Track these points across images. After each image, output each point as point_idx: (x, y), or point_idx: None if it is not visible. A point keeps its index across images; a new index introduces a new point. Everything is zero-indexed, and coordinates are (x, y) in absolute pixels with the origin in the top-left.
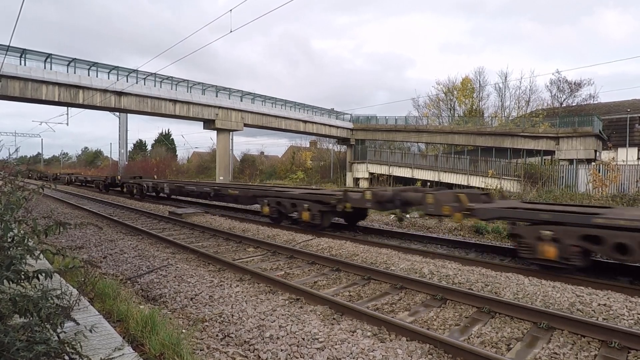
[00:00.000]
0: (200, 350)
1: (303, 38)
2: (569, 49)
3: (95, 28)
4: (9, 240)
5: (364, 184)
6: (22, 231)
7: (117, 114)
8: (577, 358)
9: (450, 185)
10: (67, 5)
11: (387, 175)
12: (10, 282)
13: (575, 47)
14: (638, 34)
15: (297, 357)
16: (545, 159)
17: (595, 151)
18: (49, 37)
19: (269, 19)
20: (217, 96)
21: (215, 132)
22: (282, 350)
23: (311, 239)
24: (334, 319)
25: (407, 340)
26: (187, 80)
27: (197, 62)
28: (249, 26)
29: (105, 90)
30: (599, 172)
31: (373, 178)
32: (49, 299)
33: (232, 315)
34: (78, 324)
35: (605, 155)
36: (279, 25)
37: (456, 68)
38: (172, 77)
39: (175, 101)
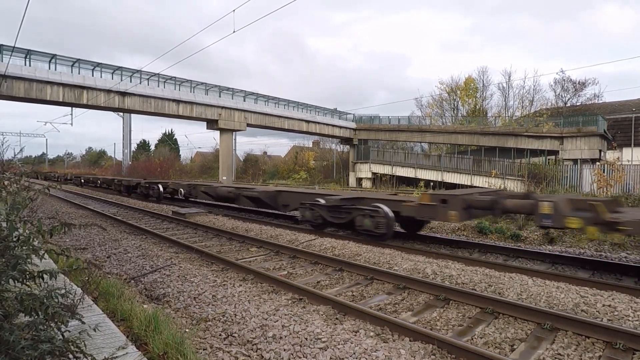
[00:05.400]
0: (204, 349)
1: (300, 36)
2: (571, 47)
3: (80, 23)
4: (15, 239)
5: (367, 184)
6: (27, 231)
7: (121, 114)
8: (581, 359)
9: (453, 185)
10: (51, 1)
11: (390, 175)
12: (16, 282)
13: (576, 44)
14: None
15: (300, 357)
16: (549, 159)
17: (600, 151)
18: (36, 33)
19: (266, 18)
20: (220, 96)
21: (219, 132)
22: (285, 350)
23: (314, 239)
24: (336, 318)
25: (410, 341)
26: (190, 80)
27: (192, 62)
28: (244, 25)
29: (109, 91)
30: (604, 172)
31: (376, 178)
32: (54, 297)
33: (235, 314)
34: (84, 322)
35: (610, 155)
36: (276, 24)
37: (457, 67)
38: (175, 77)
39: (178, 101)
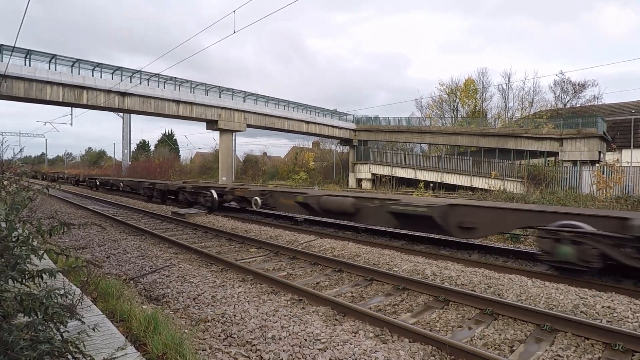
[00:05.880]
0: (203, 350)
1: (300, 37)
2: (571, 48)
3: (79, 23)
4: (14, 239)
5: (366, 185)
6: (26, 231)
7: (121, 114)
8: None
9: (453, 187)
10: (51, 1)
11: (390, 176)
12: (15, 282)
13: (576, 45)
14: (639, 30)
15: (299, 358)
16: (548, 160)
17: (599, 152)
18: (36, 33)
19: (266, 19)
20: (220, 97)
21: (218, 132)
22: (284, 351)
23: (314, 240)
24: (336, 319)
25: (409, 342)
26: (190, 81)
27: (192, 63)
28: (245, 25)
29: (109, 91)
30: (603, 173)
31: (376, 179)
32: (54, 298)
33: (235, 315)
34: (84, 322)
35: (610, 157)
36: (275, 24)
37: (457, 68)
38: (175, 77)
39: (178, 102)
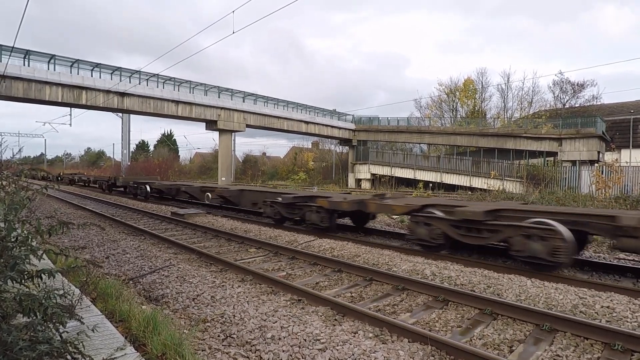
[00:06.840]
0: (202, 350)
1: (299, 37)
2: (570, 47)
3: (78, 23)
4: (13, 240)
5: (366, 185)
6: (25, 231)
7: (120, 114)
8: None
9: (452, 187)
10: (50, 1)
11: (390, 176)
12: (14, 282)
13: (575, 45)
14: (637, 30)
15: (298, 358)
16: (548, 160)
17: (598, 152)
18: (35, 33)
19: (265, 19)
20: (219, 97)
21: (218, 132)
22: (283, 351)
23: (313, 240)
24: (335, 319)
25: (408, 342)
26: (190, 81)
27: (190, 64)
28: (244, 25)
29: (108, 91)
30: (602, 173)
31: (375, 179)
32: (53, 298)
33: (234, 315)
34: (83, 322)
35: (609, 157)
36: (275, 24)
37: (456, 68)
38: (174, 78)
39: (177, 102)
